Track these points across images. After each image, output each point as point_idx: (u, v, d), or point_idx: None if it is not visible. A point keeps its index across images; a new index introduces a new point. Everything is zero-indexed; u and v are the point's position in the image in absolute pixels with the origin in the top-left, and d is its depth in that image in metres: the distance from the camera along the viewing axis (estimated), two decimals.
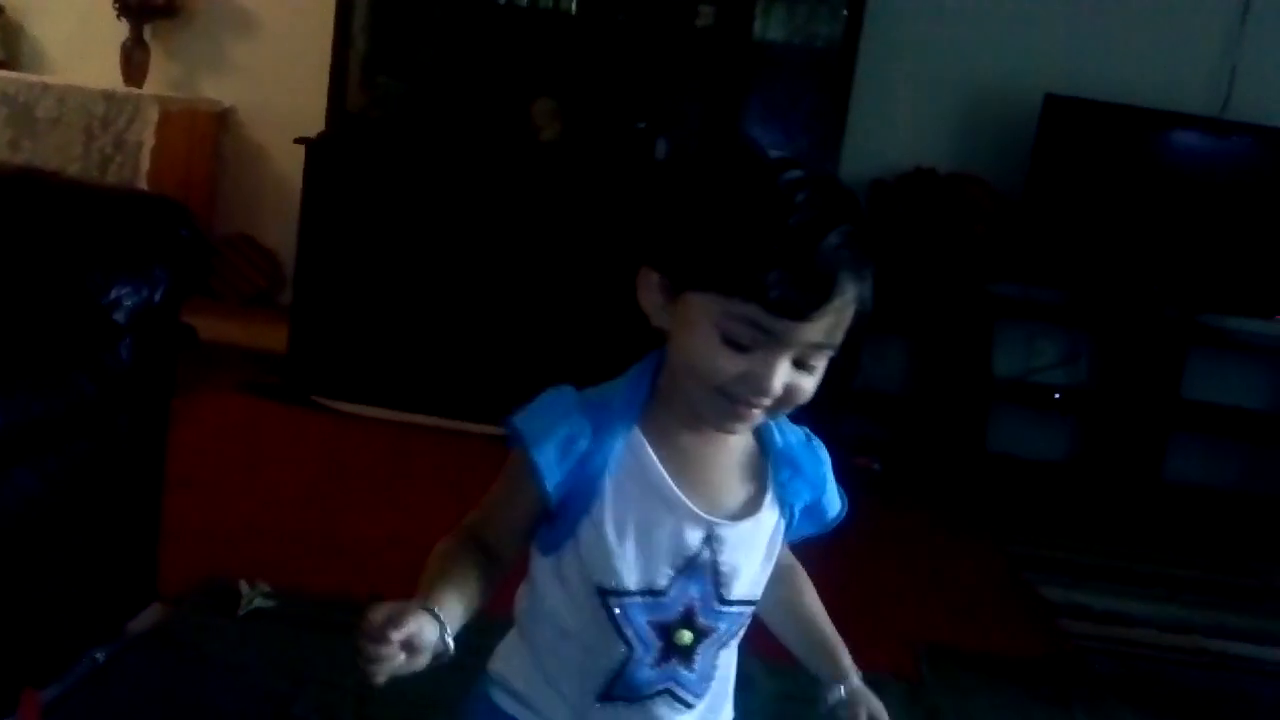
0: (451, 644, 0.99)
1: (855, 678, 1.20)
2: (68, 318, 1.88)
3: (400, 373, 3.89)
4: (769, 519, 1.11)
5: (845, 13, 3.84)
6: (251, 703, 2.01)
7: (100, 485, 1.95)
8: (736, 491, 1.09)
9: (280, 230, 4.41)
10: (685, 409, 1.06)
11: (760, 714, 2.18)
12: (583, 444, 1.03)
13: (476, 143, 3.89)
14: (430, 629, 0.98)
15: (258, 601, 2.33)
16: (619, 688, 1.08)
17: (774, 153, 1.04)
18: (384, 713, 1.99)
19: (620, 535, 1.04)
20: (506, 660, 1.15)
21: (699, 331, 1.00)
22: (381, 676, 0.97)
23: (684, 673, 1.09)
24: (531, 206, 3.77)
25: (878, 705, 1.19)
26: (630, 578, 1.05)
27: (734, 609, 1.09)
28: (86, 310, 1.89)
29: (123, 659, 2.06)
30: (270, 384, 3.87)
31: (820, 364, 1.03)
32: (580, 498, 1.04)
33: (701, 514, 1.06)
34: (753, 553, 1.09)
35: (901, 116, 4.20)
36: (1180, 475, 4.14)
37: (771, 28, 3.97)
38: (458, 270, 3.85)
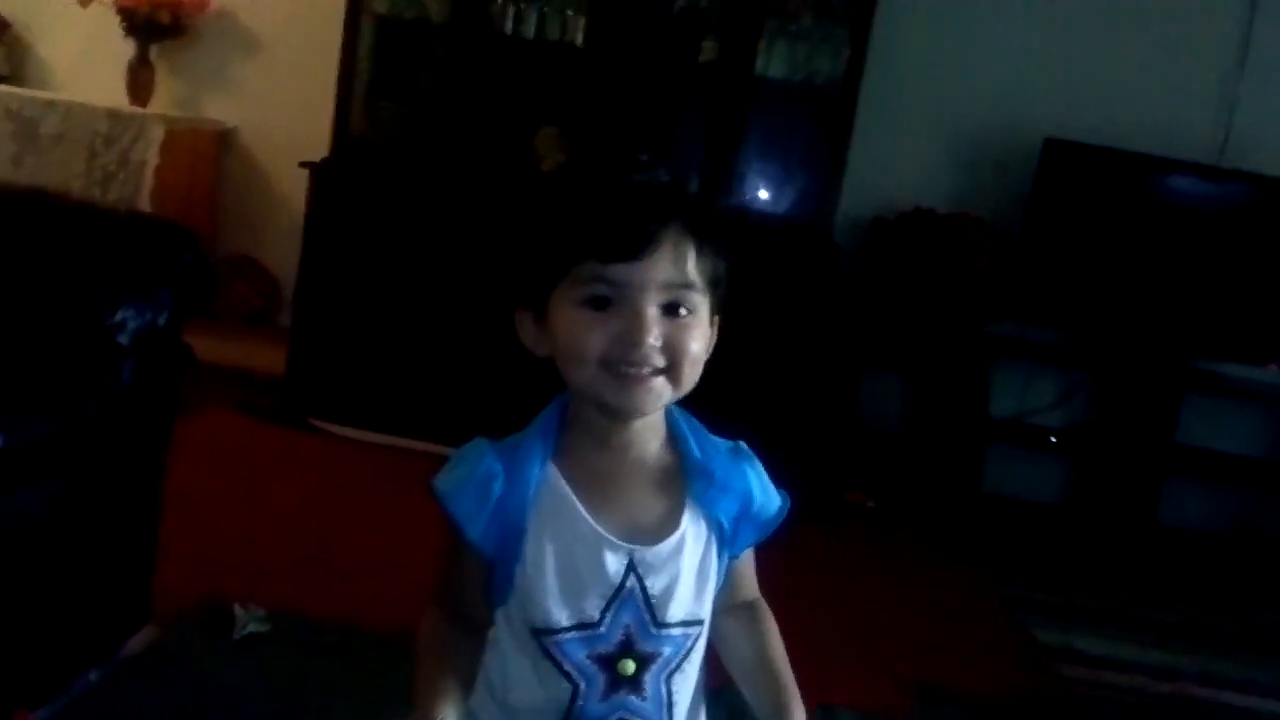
0: None
1: None
2: (72, 338, 1.88)
3: (398, 398, 3.89)
4: (692, 534, 1.09)
5: (848, 51, 3.86)
6: None
7: (100, 505, 1.95)
8: (653, 510, 1.09)
9: (280, 252, 4.42)
10: (594, 423, 1.08)
11: None
12: (497, 488, 1.05)
13: (479, 170, 3.91)
14: None
15: (252, 625, 2.32)
16: None
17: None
18: None
19: (543, 571, 1.05)
20: (478, 702, 1.14)
21: (565, 319, 1.04)
22: None
23: (635, 701, 1.07)
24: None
25: None
26: (561, 615, 1.05)
27: (674, 631, 1.08)
28: (91, 331, 1.89)
29: (117, 680, 2.05)
30: (266, 406, 3.87)
31: (694, 318, 1.05)
32: (509, 542, 1.05)
33: (617, 540, 1.06)
34: (681, 572, 1.08)
35: (902, 155, 4.22)
36: (1174, 519, 4.14)
37: (774, 64, 3.98)
38: (457, 297, 3.86)
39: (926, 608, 3.24)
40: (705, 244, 1.06)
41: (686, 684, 1.11)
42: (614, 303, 1.02)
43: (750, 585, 1.22)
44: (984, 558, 3.72)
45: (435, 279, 3.86)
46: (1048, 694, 2.79)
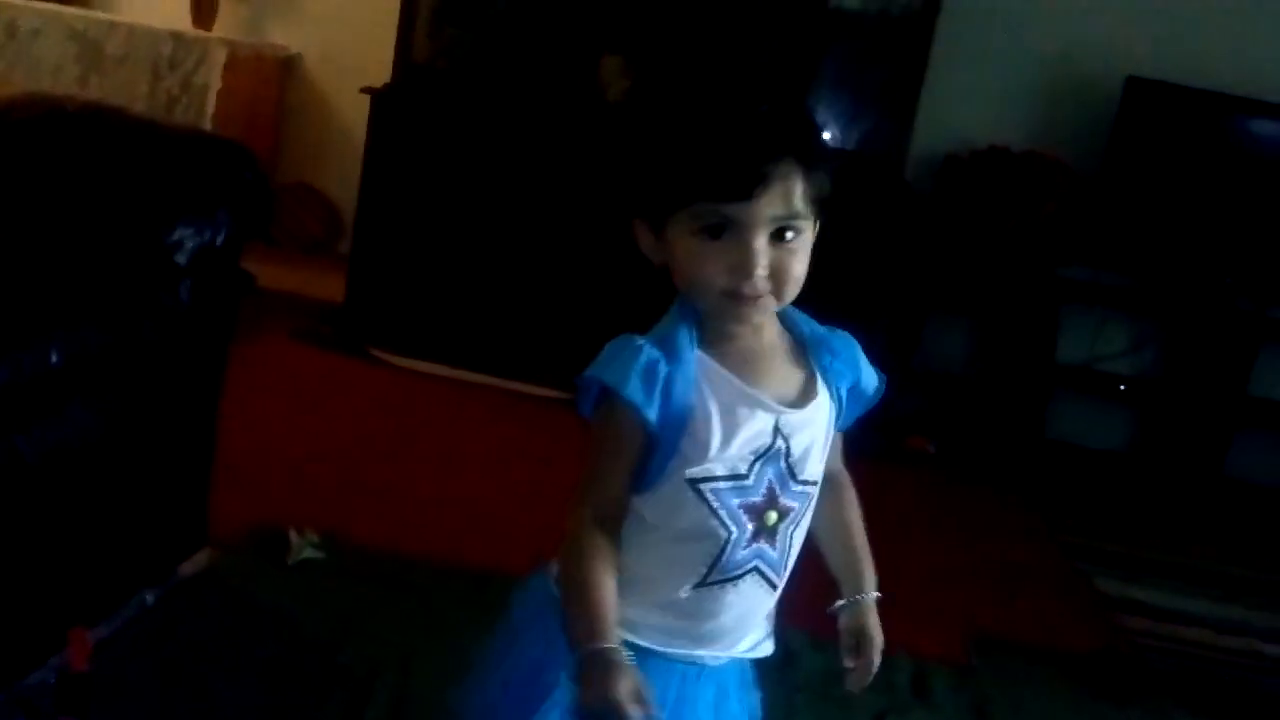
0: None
1: (869, 595, 1.29)
2: (130, 255, 1.86)
3: (456, 329, 3.87)
4: (823, 402, 1.23)
5: None
6: (297, 651, 2.01)
7: (155, 426, 1.94)
8: (793, 381, 1.22)
9: (340, 180, 4.40)
10: (721, 318, 1.18)
11: (806, 691, 2.15)
12: (663, 369, 1.14)
13: (542, 99, 3.85)
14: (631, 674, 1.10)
15: (307, 551, 2.32)
16: (715, 573, 1.19)
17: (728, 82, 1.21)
18: (429, 666, 1.98)
19: (710, 430, 1.16)
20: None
21: (683, 246, 1.15)
22: None
23: (769, 551, 1.21)
24: (595, 165, 3.72)
25: (872, 625, 1.28)
26: (717, 466, 1.17)
27: (806, 488, 1.22)
28: (149, 249, 1.87)
29: (172, 601, 2.06)
30: (325, 333, 3.87)
31: (799, 240, 1.15)
32: (676, 420, 1.15)
33: (774, 405, 1.18)
34: (816, 435, 1.22)
35: (979, 91, 4.10)
36: (1243, 472, 4.04)
37: None
38: (518, 228, 3.82)
39: (986, 556, 3.18)
40: (814, 171, 1.14)
41: (800, 537, 1.24)
42: (727, 230, 1.12)
43: (839, 455, 1.33)
44: (1047, 505, 3.66)
45: (496, 209, 3.81)
46: (1109, 645, 2.74)
